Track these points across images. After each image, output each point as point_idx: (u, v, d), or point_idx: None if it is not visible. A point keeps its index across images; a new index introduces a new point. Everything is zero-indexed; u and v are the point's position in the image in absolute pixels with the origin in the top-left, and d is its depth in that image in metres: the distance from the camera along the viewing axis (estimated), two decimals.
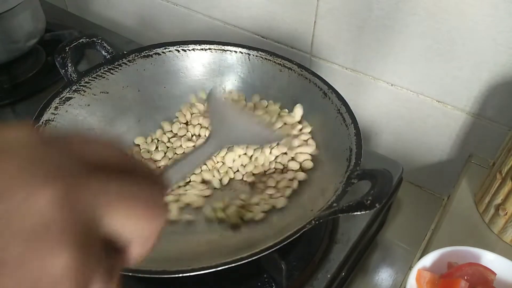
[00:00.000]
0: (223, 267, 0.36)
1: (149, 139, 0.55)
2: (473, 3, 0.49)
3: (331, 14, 0.61)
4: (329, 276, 0.46)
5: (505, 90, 0.53)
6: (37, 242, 0.15)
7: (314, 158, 0.52)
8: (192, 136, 0.55)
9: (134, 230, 0.18)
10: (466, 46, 0.53)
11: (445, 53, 0.55)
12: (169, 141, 0.55)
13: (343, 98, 0.50)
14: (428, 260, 0.43)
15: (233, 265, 0.36)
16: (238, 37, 0.73)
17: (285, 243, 0.37)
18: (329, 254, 0.48)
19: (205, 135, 0.55)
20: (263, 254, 0.37)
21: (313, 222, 0.38)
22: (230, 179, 0.52)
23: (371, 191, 0.36)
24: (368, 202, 0.35)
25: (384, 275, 0.58)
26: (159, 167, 0.52)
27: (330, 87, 0.51)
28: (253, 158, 0.52)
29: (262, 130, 0.46)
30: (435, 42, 0.54)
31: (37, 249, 0.15)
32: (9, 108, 0.65)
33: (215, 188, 0.51)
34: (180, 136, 0.55)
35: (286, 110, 0.55)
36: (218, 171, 0.52)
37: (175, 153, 0.54)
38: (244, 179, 0.52)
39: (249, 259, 0.37)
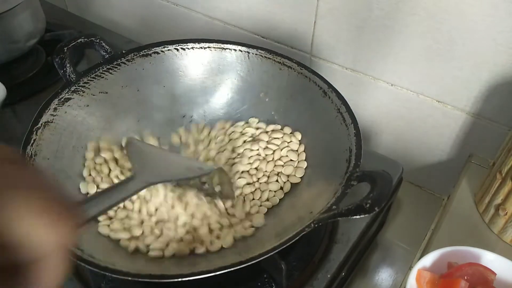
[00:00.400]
0: (222, 271, 0.36)
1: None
2: (473, 3, 0.49)
3: (331, 14, 0.60)
4: (329, 276, 0.46)
5: (505, 90, 0.53)
6: None
7: (314, 159, 0.52)
8: None
9: (40, 239, 0.17)
10: (466, 46, 0.53)
11: (445, 53, 0.55)
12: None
13: (343, 97, 0.49)
14: (428, 260, 0.43)
15: (233, 268, 0.36)
16: (238, 37, 0.73)
17: (284, 247, 0.37)
18: (329, 254, 0.48)
19: None
20: (262, 258, 0.37)
21: (312, 225, 0.38)
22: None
23: (370, 194, 0.36)
24: (368, 205, 0.35)
25: (384, 275, 0.58)
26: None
27: (330, 86, 0.51)
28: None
29: (192, 164, 0.48)
30: (435, 42, 0.54)
31: None
32: (9, 108, 0.65)
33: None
34: None
35: (279, 126, 0.56)
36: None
37: None
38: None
39: (248, 263, 0.37)
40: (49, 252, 0.17)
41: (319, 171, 0.50)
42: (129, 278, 0.36)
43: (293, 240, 0.38)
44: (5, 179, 0.17)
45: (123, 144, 0.53)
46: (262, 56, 0.56)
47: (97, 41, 0.53)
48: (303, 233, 0.38)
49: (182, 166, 0.46)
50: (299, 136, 0.54)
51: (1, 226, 0.16)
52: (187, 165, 0.47)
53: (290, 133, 0.54)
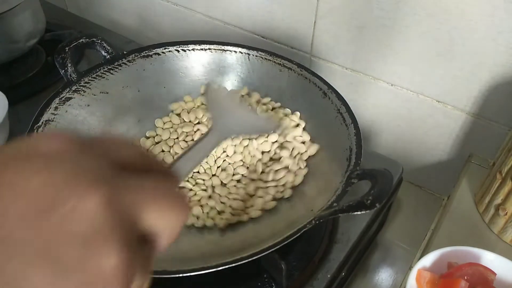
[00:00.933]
0: (223, 267, 0.36)
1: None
2: (473, 3, 0.49)
3: (331, 14, 0.61)
4: (329, 276, 0.46)
5: (505, 90, 0.53)
6: (90, 245, 0.16)
7: (314, 158, 0.52)
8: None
9: (165, 224, 0.19)
10: (466, 46, 0.53)
11: (445, 53, 0.55)
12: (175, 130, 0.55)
13: (343, 98, 0.50)
14: (428, 260, 0.43)
15: (233, 265, 0.36)
16: (238, 37, 0.73)
17: (285, 243, 0.37)
18: (329, 254, 0.48)
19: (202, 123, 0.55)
20: (263, 254, 0.37)
21: (313, 222, 0.38)
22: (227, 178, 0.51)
23: (371, 190, 0.36)
24: (368, 202, 0.35)
25: (384, 275, 0.58)
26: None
27: (330, 87, 0.51)
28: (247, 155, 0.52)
29: (260, 119, 0.48)
30: (435, 42, 0.54)
31: (91, 251, 0.16)
32: (9, 108, 0.65)
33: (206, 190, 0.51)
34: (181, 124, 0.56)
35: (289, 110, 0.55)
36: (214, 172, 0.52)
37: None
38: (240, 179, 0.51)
39: (249, 259, 0.37)
40: (171, 228, 0.20)
41: (320, 170, 0.50)
42: None
43: (294, 237, 0.38)
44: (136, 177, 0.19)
45: (202, 91, 0.57)
46: (262, 57, 0.56)
47: (99, 41, 0.53)
48: (304, 229, 0.38)
49: (251, 122, 0.47)
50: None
51: (138, 217, 0.18)
52: (255, 121, 0.47)
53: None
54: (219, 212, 0.48)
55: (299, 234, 0.38)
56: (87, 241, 0.16)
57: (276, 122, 0.53)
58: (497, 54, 0.51)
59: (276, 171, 0.50)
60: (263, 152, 0.52)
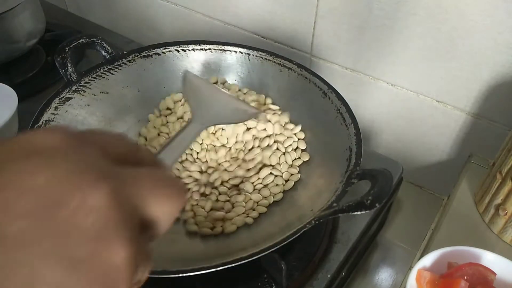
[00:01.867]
0: (223, 267, 0.36)
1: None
2: (473, 4, 0.49)
3: (331, 14, 0.61)
4: (329, 276, 0.46)
5: (505, 90, 0.53)
6: (100, 239, 0.16)
7: (313, 158, 0.52)
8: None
9: (164, 211, 0.20)
10: (466, 46, 0.53)
11: (445, 53, 0.55)
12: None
13: (343, 98, 0.50)
14: (428, 260, 0.43)
15: (233, 265, 0.36)
16: (238, 37, 0.73)
17: (285, 243, 0.37)
18: (329, 254, 0.48)
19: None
20: (263, 254, 0.37)
21: (313, 222, 0.38)
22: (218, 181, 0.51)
23: (371, 190, 0.36)
24: (368, 202, 0.35)
25: (384, 275, 0.58)
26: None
27: (330, 87, 0.51)
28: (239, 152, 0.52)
29: (240, 106, 0.48)
30: (435, 42, 0.54)
31: (101, 246, 0.16)
32: None
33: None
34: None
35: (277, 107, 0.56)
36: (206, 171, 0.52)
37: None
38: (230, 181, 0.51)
39: (249, 259, 0.37)
40: (170, 215, 0.20)
41: (320, 170, 0.50)
42: None
43: (294, 237, 0.38)
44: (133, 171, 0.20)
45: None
46: (262, 58, 0.56)
47: (99, 41, 0.53)
48: (304, 229, 0.38)
49: (231, 109, 0.47)
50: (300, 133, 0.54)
51: (140, 208, 0.18)
52: (235, 108, 0.48)
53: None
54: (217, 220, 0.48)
55: (299, 234, 0.38)
56: (96, 236, 0.16)
57: (257, 108, 0.52)
58: (497, 54, 0.51)
59: (265, 177, 0.51)
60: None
